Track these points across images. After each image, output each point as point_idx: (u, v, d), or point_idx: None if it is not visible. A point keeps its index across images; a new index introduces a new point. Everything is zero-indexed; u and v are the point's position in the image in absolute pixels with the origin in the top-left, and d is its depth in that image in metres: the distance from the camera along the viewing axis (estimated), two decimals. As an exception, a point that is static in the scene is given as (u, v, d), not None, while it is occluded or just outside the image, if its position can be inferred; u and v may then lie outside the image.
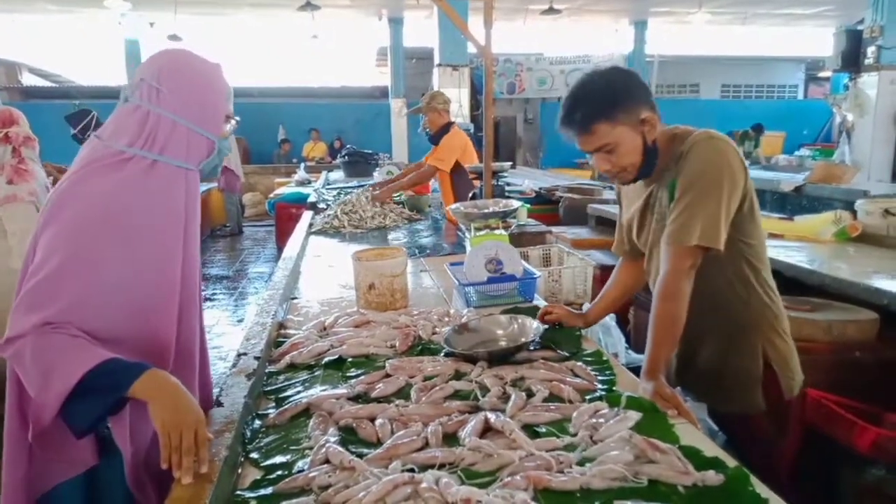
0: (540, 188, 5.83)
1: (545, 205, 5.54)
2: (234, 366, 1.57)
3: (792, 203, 6.65)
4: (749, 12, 13.02)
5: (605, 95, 1.56)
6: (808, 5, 12.09)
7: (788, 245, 3.41)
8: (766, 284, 1.71)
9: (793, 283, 2.91)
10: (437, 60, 7.23)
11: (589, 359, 1.69)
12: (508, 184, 6.04)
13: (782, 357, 1.70)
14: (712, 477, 1.10)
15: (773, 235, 3.61)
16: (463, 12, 5.26)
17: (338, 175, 7.75)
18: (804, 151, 10.21)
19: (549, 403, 1.41)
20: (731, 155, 1.56)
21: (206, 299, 6.30)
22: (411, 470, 1.13)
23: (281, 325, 2.00)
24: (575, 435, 1.27)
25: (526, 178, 6.59)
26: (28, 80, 15.87)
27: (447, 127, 4.15)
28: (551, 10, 10.78)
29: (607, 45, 14.98)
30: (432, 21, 9.22)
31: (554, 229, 4.13)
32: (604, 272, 3.82)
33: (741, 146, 10.07)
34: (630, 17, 13.77)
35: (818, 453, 2.19)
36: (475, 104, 7.88)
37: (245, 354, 1.64)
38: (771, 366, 1.69)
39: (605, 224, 4.83)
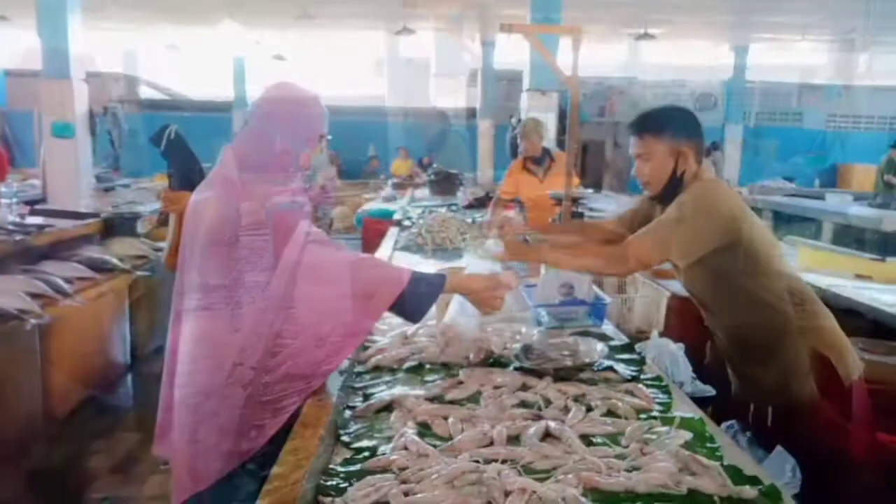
0: (622, 214, 5.85)
1: (627, 231, 5.56)
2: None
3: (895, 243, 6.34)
4: (858, 40, 12.48)
5: (664, 117, 2.00)
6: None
7: (874, 287, 3.34)
8: (791, 292, 1.91)
9: (876, 325, 2.87)
10: (526, 85, 7.39)
11: (649, 382, 1.81)
12: (591, 209, 6.10)
13: (834, 347, 1.91)
14: (748, 491, 1.21)
15: (860, 277, 3.55)
16: (552, 41, 5.40)
17: (423, 193, 8.04)
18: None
19: (607, 418, 1.54)
20: (720, 202, 1.86)
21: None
22: (476, 461, 1.30)
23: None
24: (627, 447, 1.40)
25: (611, 204, 6.63)
26: (145, 93, 17.27)
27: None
28: (646, 36, 10.76)
29: (705, 70, 14.71)
30: (523, 44, 9.40)
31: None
32: (679, 302, 3.86)
33: (889, 174, 9.67)
34: (730, 43, 13.47)
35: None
36: (562, 128, 7.98)
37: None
38: (825, 356, 1.88)
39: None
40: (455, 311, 1.92)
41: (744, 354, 2.03)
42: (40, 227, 4.28)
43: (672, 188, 1.95)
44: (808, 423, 1.87)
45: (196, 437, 1.63)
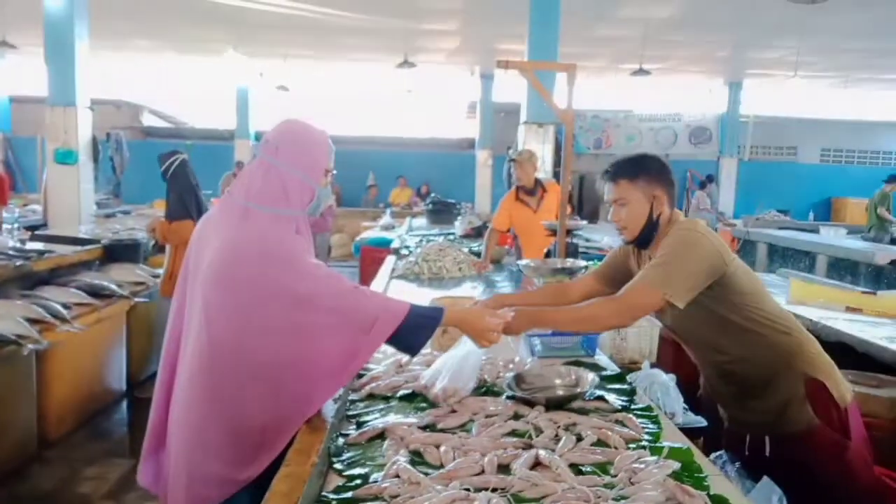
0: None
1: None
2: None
3: (888, 277, 6.38)
4: (851, 77, 12.70)
5: (637, 163, 2.02)
6: (915, 71, 11.68)
7: (865, 320, 3.38)
8: (778, 322, 1.96)
9: (865, 358, 2.90)
10: (523, 117, 7.51)
11: (639, 412, 1.83)
12: (588, 239, 6.16)
13: (825, 372, 1.94)
14: (733, 521, 1.23)
15: (851, 309, 3.58)
16: (549, 75, 5.52)
17: (421, 222, 8.11)
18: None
19: (596, 447, 1.57)
20: (704, 240, 1.89)
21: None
22: (467, 489, 1.32)
23: (363, 360, 2.23)
24: (615, 476, 1.42)
25: (606, 235, 6.69)
26: (148, 120, 17.47)
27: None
28: (641, 71, 10.93)
29: (700, 104, 14.94)
30: (521, 79, 9.54)
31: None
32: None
33: (882, 208, 9.74)
34: (725, 78, 13.69)
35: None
36: (558, 160, 8.09)
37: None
38: (819, 381, 1.91)
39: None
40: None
41: (741, 388, 2.03)
42: (40, 253, 4.31)
43: (649, 232, 1.99)
44: (808, 449, 1.90)
45: (193, 466, 1.64)
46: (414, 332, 1.70)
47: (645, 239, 2.01)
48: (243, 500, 1.59)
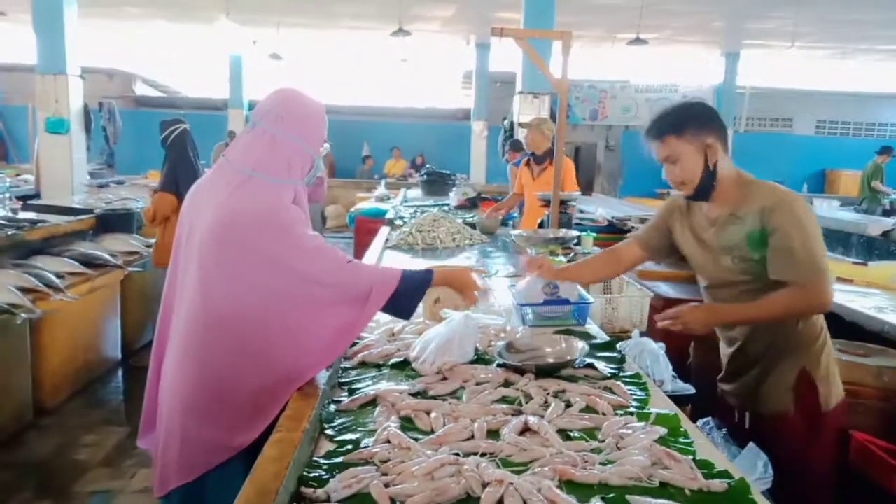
0: (612, 217, 5.92)
1: (616, 234, 5.61)
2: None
3: (880, 248, 6.42)
4: (848, 48, 12.60)
5: (680, 115, 1.90)
6: (913, 42, 11.59)
7: (855, 290, 3.40)
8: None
9: (853, 328, 2.94)
10: (518, 88, 7.45)
11: (628, 380, 1.85)
12: (582, 211, 6.16)
13: (823, 373, 1.94)
14: (717, 485, 1.25)
15: (841, 280, 3.61)
16: (545, 45, 5.47)
17: (416, 193, 8.09)
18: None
19: (585, 414, 1.59)
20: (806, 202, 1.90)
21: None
22: (456, 454, 1.34)
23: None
24: (602, 441, 1.44)
25: (601, 207, 6.68)
26: (141, 90, 17.26)
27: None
28: (638, 41, 10.81)
29: (697, 75, 14.83)
30: (517, 49, 9.42)
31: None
32: (664, 303, 3.92)
33: (875, 180, 9.75)
34: (722, 49, 13.58)
35: (863, 499, 2.25)
36: (553, 131, 8.06)
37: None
38: (813, 381, 1.91)
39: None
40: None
41: (738, 363, 2.04)
42: (33, 223, 4.30)
43: (708, 182, 1.90)
44: (776, 432, 1.92)
45: (186, 430, 1.66)
46: (406, 297, 1.78)
47: (705, 190, 1.92)
48: (236, 467, 1.61)
